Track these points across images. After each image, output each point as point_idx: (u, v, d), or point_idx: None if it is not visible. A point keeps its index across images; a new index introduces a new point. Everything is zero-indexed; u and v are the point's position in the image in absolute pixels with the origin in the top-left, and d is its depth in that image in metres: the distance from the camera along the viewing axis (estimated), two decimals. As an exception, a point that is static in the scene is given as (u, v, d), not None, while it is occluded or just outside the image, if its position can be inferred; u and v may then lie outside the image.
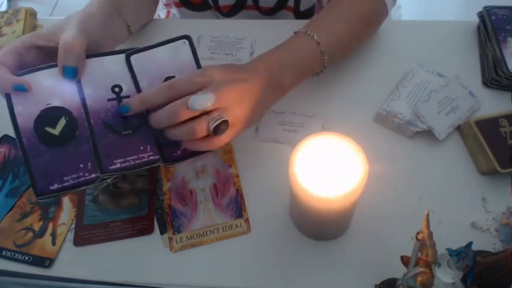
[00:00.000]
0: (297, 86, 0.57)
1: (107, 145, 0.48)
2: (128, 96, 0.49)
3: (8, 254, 0.54)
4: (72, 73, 0.48)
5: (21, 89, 0.47)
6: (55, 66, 0.48)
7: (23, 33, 0.74)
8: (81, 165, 0.48)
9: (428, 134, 0.58)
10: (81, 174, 0.48)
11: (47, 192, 0.47)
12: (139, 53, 0.50)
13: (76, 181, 0.48)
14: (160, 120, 0.48)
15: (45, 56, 0.50)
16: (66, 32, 0.49)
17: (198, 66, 0.52)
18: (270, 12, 0.79)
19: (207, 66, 0.50)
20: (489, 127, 0.55)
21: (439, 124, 0.57)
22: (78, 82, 0.49)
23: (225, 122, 0.47)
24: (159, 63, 0.50)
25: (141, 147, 0.49)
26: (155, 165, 0.50)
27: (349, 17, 0.60)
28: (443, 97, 0.59)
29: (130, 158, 0.49)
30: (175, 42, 0.51)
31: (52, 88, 0.48)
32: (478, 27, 0.68)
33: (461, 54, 0.67)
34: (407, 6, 1.34)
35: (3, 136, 0.64)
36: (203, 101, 0.46)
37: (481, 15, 0.67)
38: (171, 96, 0.47)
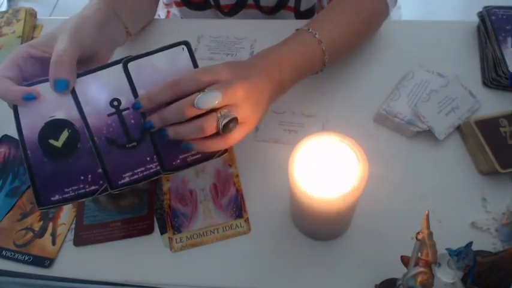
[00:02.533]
0: (297, 85, 0.57)
1: (113, 161, 0.48)
2: (127, 109, 0.49)
3: (8, 254, 0.54)
4: (64, 86, 0.47)
5: (30, 97, 0.47)
6: None
7: (23, 33, 0.74)
8: (82, 177, 0.48)
9: (428, 134, 0.58)
10: (81, 186, 0.48)
11: (48, 203, 0.48)
12: (137, 60, 0.49)
13: (76, 193, 0.48)
14: (167, 118, 0.47)
15: (43, 65, 0.49)
16: (58, 44, 0.48)
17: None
18: (270, 12, 0.79)
19: (212, 65, 0.49)
20: (489, 127, 0.55)
21: (439, 124, 0.57)
22: (77, 102, 0.48)
23: (235, 120, 0.46)
24: (157, 70, 0.49)
25: (148, 158, 0.49)
26: (163, 175, 0.50)
27: (351, 17, 0.60)
28: (443, 97, 0.59)
29: (138, 170, 0.49)
30: (174, 49, 0.50)
31: (55, 100, 0.48)
32: (478, 27, 0.68)
33: (461, 54, 0.67)
34: (407, 6, 1.34)
35: (3, 136, 0.64)
36: (210, 99, 0.45)
37: (481, 15, 0.67)
38: (177, 94, 0.47)
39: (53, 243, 0.54)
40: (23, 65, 0.49)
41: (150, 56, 0.49)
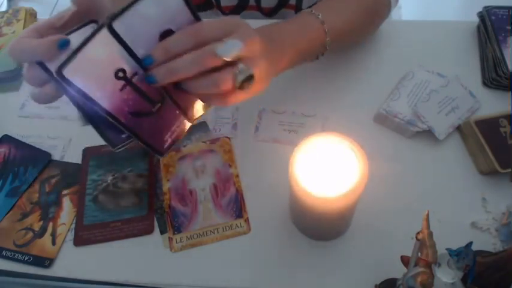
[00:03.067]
0: (297, 85, 0.57)
1: (149, 130, 0.45)
2: (135, 74, 0.42)
3: (8, 254, 0.54)
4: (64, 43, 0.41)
5: (66, 43, 0.40)
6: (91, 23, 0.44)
7: (23, 33, 0.74)
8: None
9: (428, 134, 0.58)
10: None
11: (120, 141, 0.45)
12: (121, 17, 0.40)
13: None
14: (182, 69, 0.42)
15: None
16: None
17: (192, 10, 0.44)
18: (271, 14, 0.79)
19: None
20: (489, 127, 0.55)
21: (439, 124, 0.57)
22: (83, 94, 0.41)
23: (252, 77, 0.43)
24: (148, 20, 0.42)
25: (176, 111, 0.46)
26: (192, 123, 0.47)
27: (355, 6, 0.60)
28: (443, 97, 0.59)
29: (174, 126, 0.47)
30: None
31: (107, 53, 0.41)
32: (478, 27, 0.68)
33: (461, 54, 0.67)
34: (407, 6, 1.34)
35: (3, 136, 0.64)
36: (232, 47, 0.41)
37: (481, 15, 0.67)
38: (197, 43, 0.41)
39: (53, 243, 0.54)
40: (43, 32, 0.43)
41: (133, 8, 0.40)
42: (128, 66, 0.42)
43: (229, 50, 0.41)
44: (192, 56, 0.41)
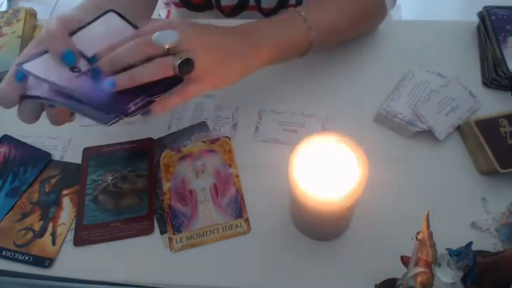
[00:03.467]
0: (297, 85, 0.57)
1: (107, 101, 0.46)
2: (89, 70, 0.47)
3: (8, 254, 0.54)
4: (71, 57, 0.47)
5: (21, 75, 0.46)
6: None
7: (23, 33, 0.74)
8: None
9: (428, 134, 0.58)
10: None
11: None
12: (76, 33, 0.49)
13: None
14: (122, 57, 0.45)
15: None
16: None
17: (135, 27, 0.51)
18: (271, 14, 0.79)
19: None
20: (489, 127, 0.55)
21: (439, 124, 0.57)
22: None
23: (190, 61, 0.45)
24: (98, 35, 0.49)
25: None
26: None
27: (343, 5, 0.60)
28: (443, 97, 0.59)
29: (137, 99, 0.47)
30: (103, 17, 0.50)
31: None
32: (478, 27, 0.68)
33: (461, 54, 0.67)
34: (407, 6, 1.34)
35: (3, 136, 0.64)
36: (168, 36, 0.44)
37: (481, 15, 0.67)
38: (138, 37, 0.46)
39: (53, 243, 0.54)
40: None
41: (87, 27, 0.49)
42: (82, 65, 0.48)
43: (166, 37, 0.44)
44: (130, 44, 0.45)
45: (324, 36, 0.58)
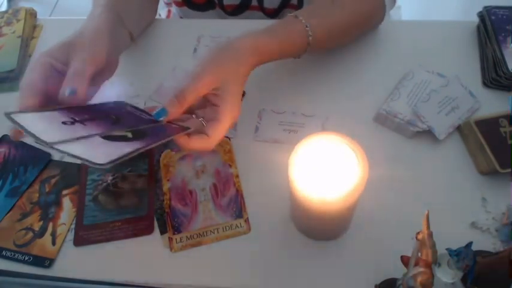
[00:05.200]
0: (297, 85, 0.57)
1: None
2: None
3: (8, 254, 0.54)
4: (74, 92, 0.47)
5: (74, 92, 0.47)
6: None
7: (23, 33, 0.74)
8: None
9: (428, 134, 0.58)
10: None
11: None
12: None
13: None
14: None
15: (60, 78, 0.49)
16: (75, 62, 0.49)
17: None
18: (273, 15, 0.79)
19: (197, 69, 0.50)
20: (489, 127, 0.55)
21: (439, 124, 0.57)
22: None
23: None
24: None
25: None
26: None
27: (340, 10, 0.60)
28: (443, 97, 0.59)
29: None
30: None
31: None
32: (478, 27, 0.68)
33: (461, 54, 0.67)
34: (407, 6, 1.34)
35: (3, 136, 0.64)
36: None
37: (481, 15, 0.67)
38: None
39: (53, 243, 0.54)
40: (48, 74, 0.49)
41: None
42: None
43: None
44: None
45: (323, 37, 0.58)
